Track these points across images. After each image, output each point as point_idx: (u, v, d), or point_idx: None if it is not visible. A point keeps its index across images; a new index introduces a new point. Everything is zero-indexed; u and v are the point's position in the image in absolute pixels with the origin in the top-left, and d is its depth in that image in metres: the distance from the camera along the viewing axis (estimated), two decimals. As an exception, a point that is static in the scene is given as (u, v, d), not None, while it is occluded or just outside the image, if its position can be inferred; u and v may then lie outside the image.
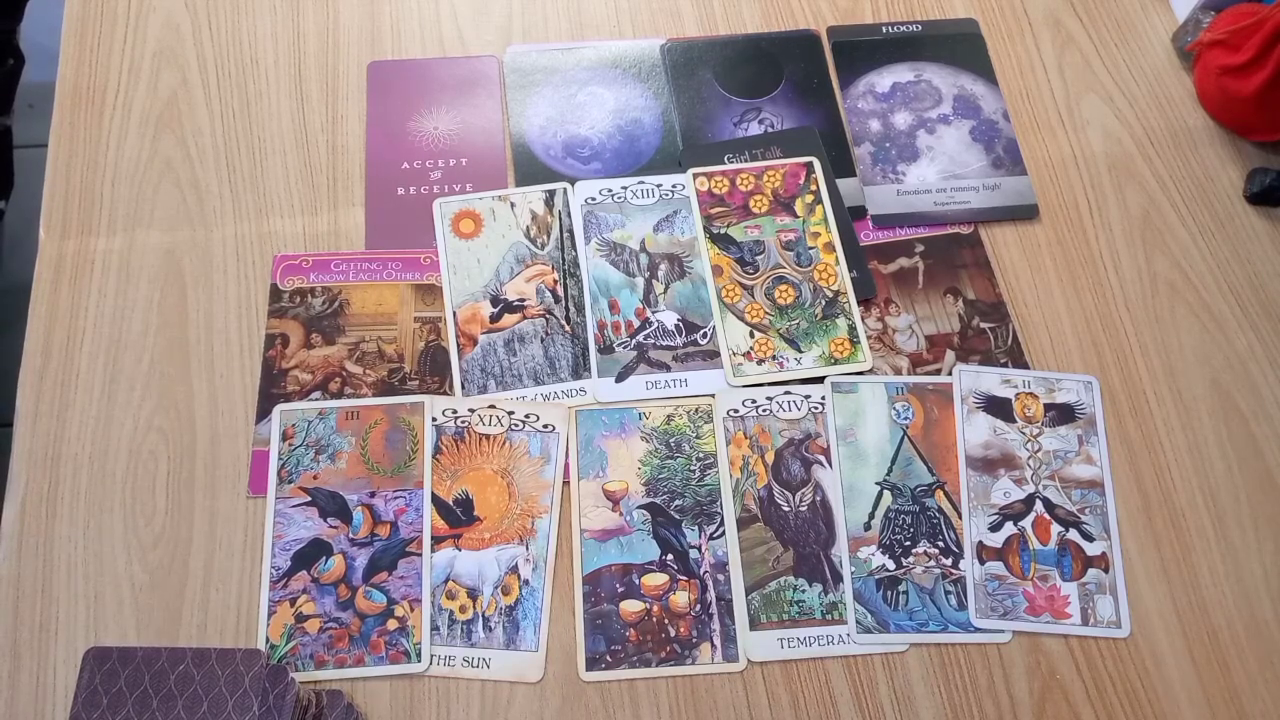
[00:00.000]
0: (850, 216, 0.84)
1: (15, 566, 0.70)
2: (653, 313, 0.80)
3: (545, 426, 0.75)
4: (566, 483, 0.74)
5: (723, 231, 0.83)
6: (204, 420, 0.74)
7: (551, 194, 0.84)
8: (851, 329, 0.79)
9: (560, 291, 0.80)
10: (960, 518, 0.74)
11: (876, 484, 0.74)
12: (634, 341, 0.79)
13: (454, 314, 0.79)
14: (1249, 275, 0.83)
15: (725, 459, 0.75)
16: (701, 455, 0.75)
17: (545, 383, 0.77)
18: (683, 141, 0.87)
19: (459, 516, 0.72)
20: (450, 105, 0.88)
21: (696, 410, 0.76)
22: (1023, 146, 0.88)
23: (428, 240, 0.82)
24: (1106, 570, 0.72)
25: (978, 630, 0.70)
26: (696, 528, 0.73)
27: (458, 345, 0.78)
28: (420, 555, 0.71)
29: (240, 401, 0.75)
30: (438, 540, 0.71)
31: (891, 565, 0.72)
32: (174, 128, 0.85)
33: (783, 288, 0.81)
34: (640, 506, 0.73)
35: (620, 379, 0.77)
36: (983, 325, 0.81)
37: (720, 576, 0.71)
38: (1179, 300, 0.83)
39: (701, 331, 0.79)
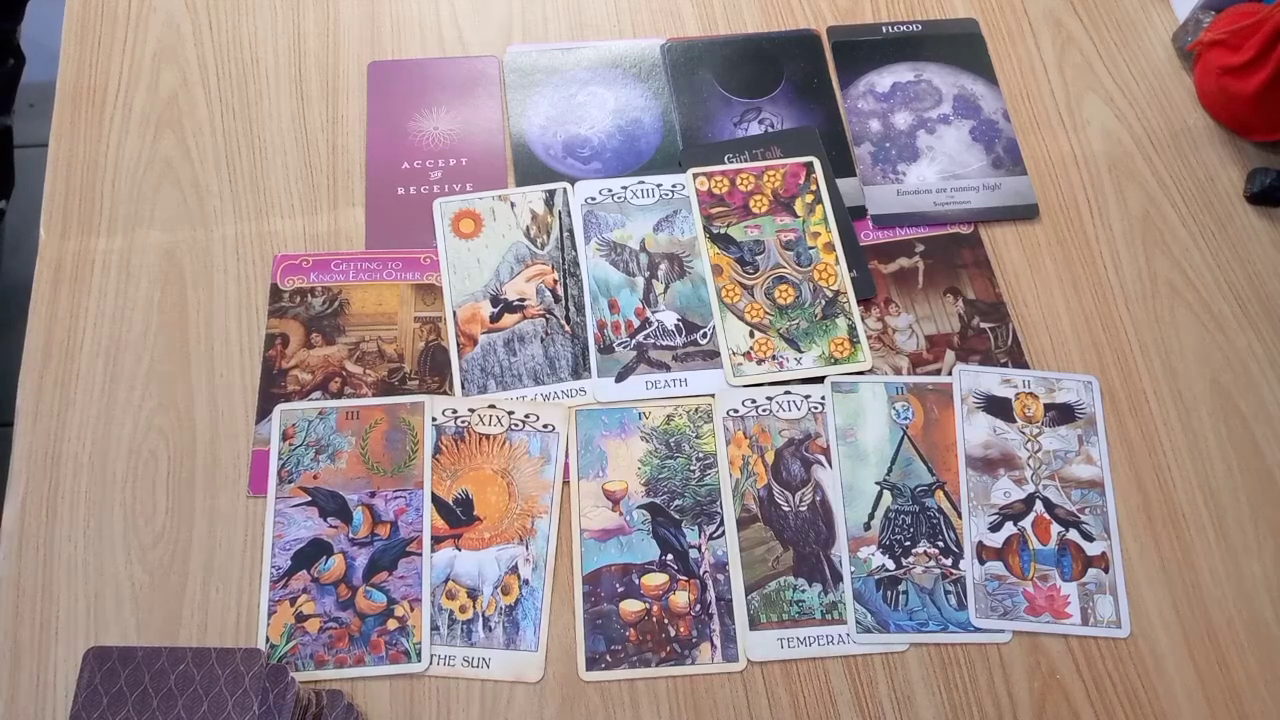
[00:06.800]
0: (850, 216, 0.84)
1: (15, 566, 0.70)
2: (653, 312, 0.80)
3: (545, 426, 0.75)
4: (566, 483, 0.74)
5: (723, 231, 0.83)
6: (204, 420, 0.74)
7: (551, 194, 0.84)
8: (851, 329, 0.79)
9: (560, 291, 0.80)
10: (960, 518, 0.74)
11: (876, 484, 0.74)
12: (634, 341, 0.79)
13: (454, 314, 0.79)
14: (1249, 275, 0.83)
15: (725, 459, 0.75)
16: (701, 455, 0.75)
17: (545, 382, 0.77)
18: (683, 141, 0.87)
19: (459, 516, 0.72)
20: (450, 105, 0.88)
21: (696, 410, 0.76)
22: (1023, 146, 0.88)
23: (428, 240, 0.82)
24: (1106, 570, 0.72)
25: (978, 630, 0.70)
26: (696, 528, 0.73)
27: (458, 345, 0.78)
28: (420, 555, 0.71)
29: (240, 401, 0.75)
30: (438, 540, 0.71)
31: (891, 565, 0.72)
32: (174, 127, 0.85)
33: (783, 288, 0.81)
34: (640, 506, 0.73)
35: (620, 379, 0.77)
36: (983, 325, 0.81)
37: (720, 576, 0.71)
38: (1179, 300, 0.82)
39: (701, 331, 0.79)
